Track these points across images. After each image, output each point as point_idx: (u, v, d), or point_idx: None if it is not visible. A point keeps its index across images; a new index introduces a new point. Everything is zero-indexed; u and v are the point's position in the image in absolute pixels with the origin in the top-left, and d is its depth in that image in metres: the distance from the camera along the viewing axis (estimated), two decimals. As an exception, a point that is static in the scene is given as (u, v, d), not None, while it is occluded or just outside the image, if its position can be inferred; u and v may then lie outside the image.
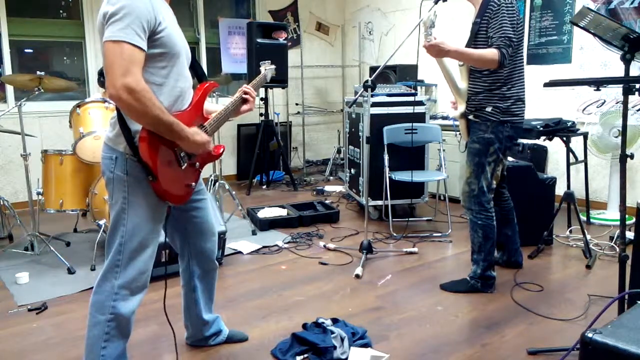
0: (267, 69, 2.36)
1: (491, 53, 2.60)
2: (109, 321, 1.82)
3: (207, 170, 4.36)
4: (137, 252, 1.83)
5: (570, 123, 4.03)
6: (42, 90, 3.51)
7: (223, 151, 2.10)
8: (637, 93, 2.05)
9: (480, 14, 2.72)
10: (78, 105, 3.52)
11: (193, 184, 1.96)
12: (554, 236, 3.79)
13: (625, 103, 2.07)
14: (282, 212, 4.49)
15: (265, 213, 4.44)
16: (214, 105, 2.13)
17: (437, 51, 2.63)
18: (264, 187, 5.98)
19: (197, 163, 1.96)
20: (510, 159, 3.79)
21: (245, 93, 2.10)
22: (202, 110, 1.96)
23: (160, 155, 1.77)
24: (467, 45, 2.77)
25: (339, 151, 6.65)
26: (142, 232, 1.83)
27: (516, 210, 3.21)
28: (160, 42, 1.73)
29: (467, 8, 2.92)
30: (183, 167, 1.87)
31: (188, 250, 2.15)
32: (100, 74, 3.93)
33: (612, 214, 4.29)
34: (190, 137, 1.80)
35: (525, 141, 4.48)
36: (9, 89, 5.10)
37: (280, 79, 5.67)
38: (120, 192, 1.80)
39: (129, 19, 1.62)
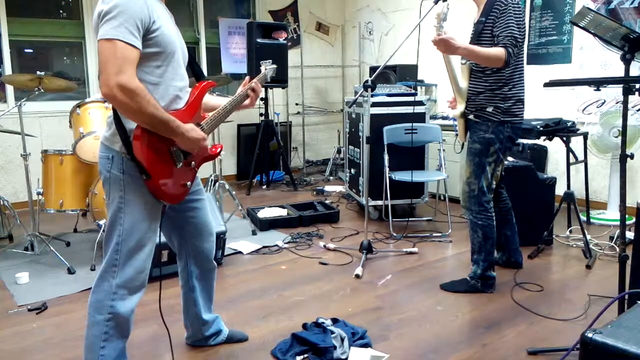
0: (267, 68, 2.35)
1: (498, 51, 2.60)
2: (107, 321, 1.82)
3: (207, 170, 4.37)
4: (134, 251, 1.83)
5: (570, 123, 4.03)
6: (42, 90, 3.51)
7: (220, 151, 2.10)
8: (637, 93, 2.05)
9: (485, 13, 2.71)
10: (78, 105, 3.52)
11: (189, 183, 1.96)
12: (554, 236, 3.79)
13: (625, 103, 2.07)
14: (282, 212, 4.49)
15: (265, 213, 4.44)
16: (218, 99, 2.13)
17: (446, 47, 2.60)
18: (264, 187, 5.98)
19: (193, 162, 1.96)
20: (510, 158, 3.79)
21: (253, 90, 2.11)
22: (199, 109, 1.95)
23: (154, 153, 1.77)
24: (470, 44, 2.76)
25: (339, 151, 6.65)
26: (139, 231, 1.83)
27: (516, 210, 3.21)
28: (155, 41, 1.73)
29: (467, 7, 2.91)
30: (178, 166, 1.87)
31: (186, 251, 2.15)
32: None
33: (612, 214, 4.29)
34: (186, 134, 1.80)
35: (525, 141, 4.47)
36: (9, 89, 5.10)
37: (280, 79, 5.67)
38: (117, 192, 1.80)
39: (122, 18, 1.62)
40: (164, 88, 1.81)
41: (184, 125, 1.80)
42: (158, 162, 1.79)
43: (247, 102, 2.13)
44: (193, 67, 2.03)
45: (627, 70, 2.06)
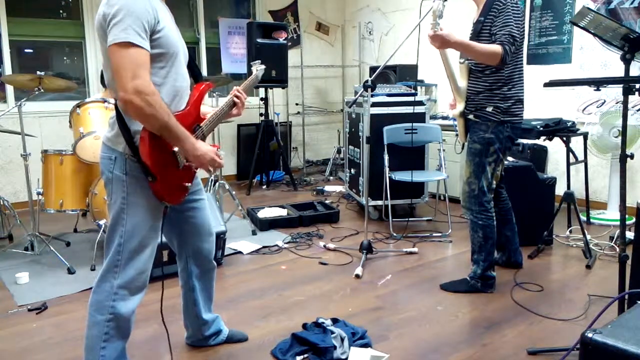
0: (258, 69, 2.36)
1: (495, 48, 2.60)
2: (108, 321, 1.82)
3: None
4: (136, 252, 1.83)
5: (570, 123, 4.03)
6: (42, 90, 3.51)
7: (218, 151, 2.10)
8: (637, 93, 2.05)
9: (484, 13, 2.71)
10: (78, 105, 3.52)
11: (189, 184, 1.96)
12: (554, 236, 3.78)
13: (625, 103, 2.07)
14: (282, 212, 4.49)
15: (265, 213, 4.44)
16: (206, 107, 2.13)
17: (442, 42, 2.61)
18: (264, 187, 5.98)
19: (194, 164, 1.96)
20: (510, 158, 3.79)
21: (237, 97, 2.10)
22: (199, 110, 1.96)
23: (159, 155, 1.77)
24: None
25: (339, 151, 6.65)
26: (141, 232, 1.83)
27: (516, 210, 3.21)
28: (159, 42, 1.73)
29: (467, 7, 2.92)
30: (181, 167, 1.88)
31: (186, 251, 2.15)
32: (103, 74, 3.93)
33: (612, 214, 4.29)
34: (196, 145, 1.81)
35: (525, 141, 4.48)
36: (9, 89, 5.10)
37: (280, 79, 5.67)
38: (120, 192, 1.80)
39: (129, 20, 1.62)
40: (168, 89, 1.81)
41: (192, 136, 1.80)
42: (163, 164, 1.79)
43: (233, 110, 2.11)
44: (192, 68, 2.03)
45: (627, 70, 2.06)
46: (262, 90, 5.91)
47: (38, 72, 3.50)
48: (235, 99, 2.09)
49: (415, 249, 3.66)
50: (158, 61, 1.76)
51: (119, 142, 1.78)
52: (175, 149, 1.83)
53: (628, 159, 2.11)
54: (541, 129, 3.87)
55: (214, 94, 4.40)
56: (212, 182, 4.29)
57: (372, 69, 6.24)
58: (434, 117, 5.42)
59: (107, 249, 1.83)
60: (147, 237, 1.85)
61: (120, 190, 1.80)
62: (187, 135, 1.78)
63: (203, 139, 1.96)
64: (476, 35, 2.75)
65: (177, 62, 1.83)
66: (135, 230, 1.81)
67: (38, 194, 3.58)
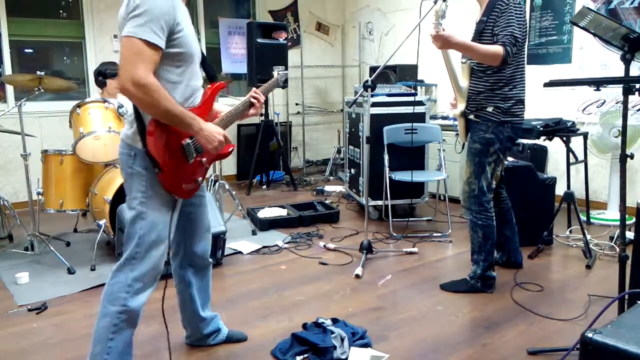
0: (279, 73, 2.40)
1: (496, 49, 2.60)
2: (119, 313, 1.85)
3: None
4: (154, 245, 1.88)
5: (570, 123, 4.02)
6: (42, 90, 3.51)
7: (232, 150, 2.12)
8: (637, 93, 2.05)
9: (487, 13, 2.71)
10: (78, 105, 3.52)
11: (200, 179, 2.01)
12: (554, 236, 3.78)
13: (625, 103, 2.07)
14: (282, 212, 4.49)
15: (265, 213, 4.44)
16: (221, 106, 2.16)
17: (443, 42, 2.61)
18: (264, 187, 5.98)
19: (204, 159, 1.99)
20: (510, 159, 3.79)
21: (254, 98, 2.13)
22: (212, 108, 2.01)
23: (166, 148, 1.82)
24: None
25: (339, 151, 6.65)
26: (159, 226, 1.88)
27: (516, 210, 3.21)
28: (178, 42, 1.78)
29: (469, 7, 2.92)
30: (190, 162, 1.91)
31: (182, 247, 2.17)
32: (97, 74, 3.92)
33: (612, 214, 4.29)
34: (203, 126, 1.84)
35: (525, 141, 4.48)
36: (9, 89, 5.10)
37: (280, 79, 5.67)
38: (140, 187, 1.85)
39: (147, 17, 1.66)
40: (183, 87, 1.86)
41: (199, 119, 1.84)
42: (170, 157, 1.84)
43: (251, 110, 2.15)
44: (207, 68, 2.07)
45: (627, 70, 2.06)
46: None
47: (38, 72, 3.51)
48: (252, 99, 2.13)
49: (415, 249, 3.66)
50: (176, 60, 1.81)
51: (138, 139, 1.83)
52: (184, 142, 1.87)
53: (628, 159, 2.11)
54: (541, 129, 3.87)
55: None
56: (212, 182, 4.29)
57: (372, 69, 6.23)
58: (434, 117, 5.42)
59: (127, 243, 1.88)
60: (163, 231, 1.90)
61: (140, 185, 1.85)
62: (192, 117, 1.81)
63: None
64: (478, 35, 2.75)
65: (193, 63, 1.89)
66: (154, 224, 1.87)
67: (38, 194, 3.58)
